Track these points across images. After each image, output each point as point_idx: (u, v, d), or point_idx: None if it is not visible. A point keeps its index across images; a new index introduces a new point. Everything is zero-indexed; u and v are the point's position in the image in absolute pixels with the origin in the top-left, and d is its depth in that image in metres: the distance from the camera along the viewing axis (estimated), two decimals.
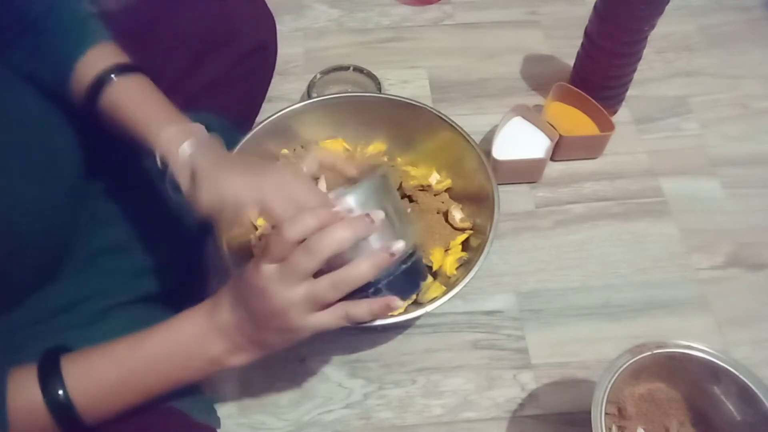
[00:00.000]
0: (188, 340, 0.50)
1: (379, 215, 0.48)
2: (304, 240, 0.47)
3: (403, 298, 0.51)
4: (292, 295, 0.47)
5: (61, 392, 0.46)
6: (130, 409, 0.50)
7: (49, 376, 0.46)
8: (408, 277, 0.51)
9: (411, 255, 0.52)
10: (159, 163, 0.54)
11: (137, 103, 0.57)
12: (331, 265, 0.47)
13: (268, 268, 0.47)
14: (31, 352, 0.51)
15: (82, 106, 0.58)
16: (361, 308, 0.48)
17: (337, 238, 0.46)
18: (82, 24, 0.60)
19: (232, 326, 0.49)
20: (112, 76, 0.56)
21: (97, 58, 0.58)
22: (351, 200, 0.49)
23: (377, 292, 0.50)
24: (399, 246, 0.49)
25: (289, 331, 0.49)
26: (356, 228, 0.47)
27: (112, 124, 0.57)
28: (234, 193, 0.51)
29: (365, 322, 0.50)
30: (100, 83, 0.56)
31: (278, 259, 0.47)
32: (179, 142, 0.54)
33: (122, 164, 0.67)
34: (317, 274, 0.48)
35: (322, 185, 0.77)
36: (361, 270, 0.47)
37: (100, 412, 0.48)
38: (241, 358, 0.51)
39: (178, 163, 0.53)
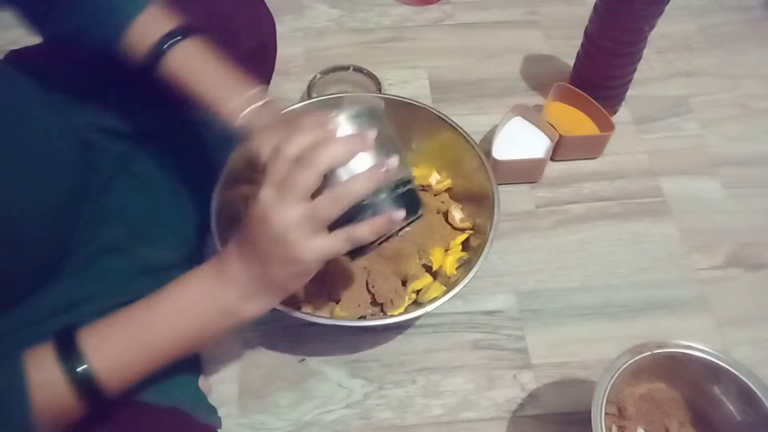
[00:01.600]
0: (200, 294, 0.50)
1: (371, 133, 0.48)
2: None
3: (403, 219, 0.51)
4: (291, 215, 0.46)
5: (82, 366, 0.46)
6: (152, 371, 0.49)
7: (68, 351, 0.46)
8: (405, 202, 0.50)
9: (407, 182, 0.52)
10: (222, 128, 0.57)
11: (199, 71, 0.58)
12: (328, 188, 0.47)
13: (266, 192, 0.47)
14: None
15: (138, 69, 0.58)
16: (362, 228, 0.48)
17: (332, 152, 0.46)
18: None
19: (239, 273, 0.49)
20: (171, 42, 0.57)
21: (152, 22, 0.58)
22: (344, 120, 0.49)
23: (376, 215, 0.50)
24: (393, 161, 0.48)
25: (294, 260, 0.47)
26: (350, 143, 0.47)
27: (172, 88, 0.58)
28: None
29: (369, 244, 0.49)
30: (159, 50, 0.57)
31: (276, 182, 0.47)
32: (240, 112, 0.57)
33: (124, 159, 0.67)
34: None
35: None
36: (358, 184, 0.47)
37: (120, 380, 0.48)
38: (254, 305, 0.50)
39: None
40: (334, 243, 0.48)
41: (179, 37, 0.58)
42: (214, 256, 0.52)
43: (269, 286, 0.50)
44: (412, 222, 0.55)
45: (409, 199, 0.51)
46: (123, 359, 0.48)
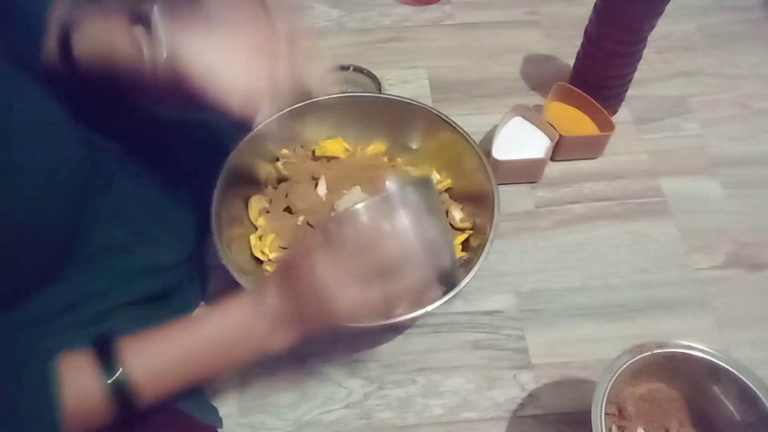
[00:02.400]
0: (237, 323, 0.52)
1: (427, 234, 0.51)
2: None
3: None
4: (344, 295, 0.49)
5: (119, 373, 0.47)
6: (179, 390, 0.51)
7: (106, 356, 0.48)
8: (445, 280, 0.54)
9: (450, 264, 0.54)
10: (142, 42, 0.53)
11: (105, 28, 0.55)
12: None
13: (323, 262, 0.49)
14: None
15: (62, 65, 0.56)
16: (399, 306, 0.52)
17: (391, 252, 0.49)
18: None
19: (276, 306, 0.51)
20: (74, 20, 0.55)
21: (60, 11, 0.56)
22: (398, 196, 0.51)
23: None
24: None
25: (330, 320, 0.50)
26: (406, 245, 0.50)
27: (92, 64, 0.56)
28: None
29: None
30: (66, 29, 0.55)
31: (333, 253, 0.49)
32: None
33: (124, 158, 0.67)
34: None
35: (322, 187, 0.77)
36: (410, 293, 0.51)
37: (152, 392, 0.49)
38: (282, 337, 0.52)
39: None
40: (371, 317, 0.52)
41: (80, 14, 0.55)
42: (251, 289, 0.54)
43: (300, 326, 0.52)
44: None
45: (450, 278, 0.55)
46: (157, 373, 0.50)
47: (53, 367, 0.46)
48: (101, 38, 0.56)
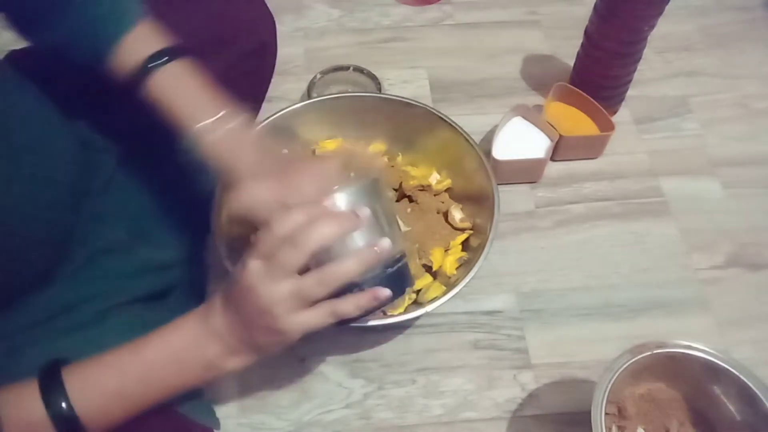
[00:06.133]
0: (183, 345, 0.50)
1: (365, 212, 0.48)
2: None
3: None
4: (278, 292, 0.46)
5: (64, 404, 0.46)
6: (131, 417, 0.50)
7: (51, 388, 0.46)
8: (394, 281, 0.50)
9: (398, 260, 0.51)
10: (190, 153, 0.57)
11: (180, 94, 0.57)
12: (318, 264, 0.47)
13: (255, 265, 0.47)
14: (31, 355, 0.51)
15: (125, 87, 0.57)
16: (347, 304, 0.48)
17: (323, 232, 0.46)
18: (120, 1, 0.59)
19: (224, 328, 0.49)
20: (156, 63, 0.56)
21: (141, 40, 0.57)
22: (340, 198, 0.49)
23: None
24: (385, 244, 0.48)
25: (277, 331, 0.48)
26: (342, 222, 0.47)
27: (154, 109, 0.57)
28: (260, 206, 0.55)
29: (353, 320, 0.49)
30: (144, 70, 0.56)
31: (265, 256, 0.47)
32: (209, 134, 0.56)
33: (124, 159, 0.67)
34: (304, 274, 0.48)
35: None
36: (347, 266, 0.47)
37: (102, 422, 0.48)
38: (236, 361, 0.50)
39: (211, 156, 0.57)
40: (318, 317, 0.48)
41: (166, 58, 0.57)
42: (200, 307, 0.51)
43: (251, 347, 0.50)
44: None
45: (399, 278, 0.51)
46: (104, 402, 0.48)
47: None
48: (172, 95, 0.57)
